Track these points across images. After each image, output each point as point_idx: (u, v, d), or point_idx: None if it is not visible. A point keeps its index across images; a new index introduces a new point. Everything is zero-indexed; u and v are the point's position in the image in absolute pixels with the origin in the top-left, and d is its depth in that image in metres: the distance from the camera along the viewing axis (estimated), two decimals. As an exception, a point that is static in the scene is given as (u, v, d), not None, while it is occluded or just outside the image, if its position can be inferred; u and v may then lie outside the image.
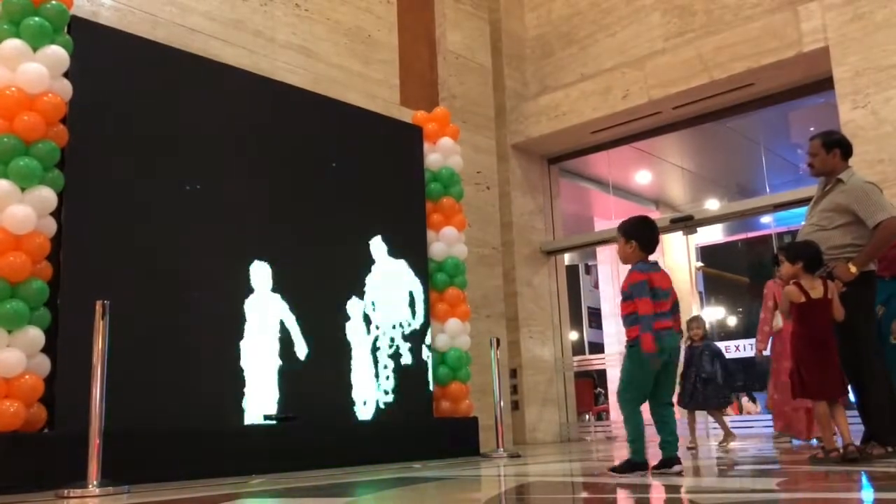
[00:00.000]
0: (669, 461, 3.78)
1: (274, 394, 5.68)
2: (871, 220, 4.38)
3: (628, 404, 3.88)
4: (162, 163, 5.34)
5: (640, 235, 3.99)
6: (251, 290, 5.70)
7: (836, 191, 4.59)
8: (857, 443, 4.34)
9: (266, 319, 5.74)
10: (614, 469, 3.86)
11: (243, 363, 5.53)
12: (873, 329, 4.52)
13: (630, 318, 3.87)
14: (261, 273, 5.78)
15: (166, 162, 5.37)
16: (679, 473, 3.71)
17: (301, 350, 5.89)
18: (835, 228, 4.51)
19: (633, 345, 3.84)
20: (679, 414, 6.87)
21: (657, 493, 3.24)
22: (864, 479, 3.35)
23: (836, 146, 4.68)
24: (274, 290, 5.83)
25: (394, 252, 6.80)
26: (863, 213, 4.42)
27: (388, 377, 6.50)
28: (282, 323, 5.84)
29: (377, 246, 6.69)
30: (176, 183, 5.41)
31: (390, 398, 6.46)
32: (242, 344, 5.56)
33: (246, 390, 5.52)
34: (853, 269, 4.35)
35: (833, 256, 4.46)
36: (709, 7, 8.43)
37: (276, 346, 5.77)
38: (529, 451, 7.22)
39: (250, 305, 5.67)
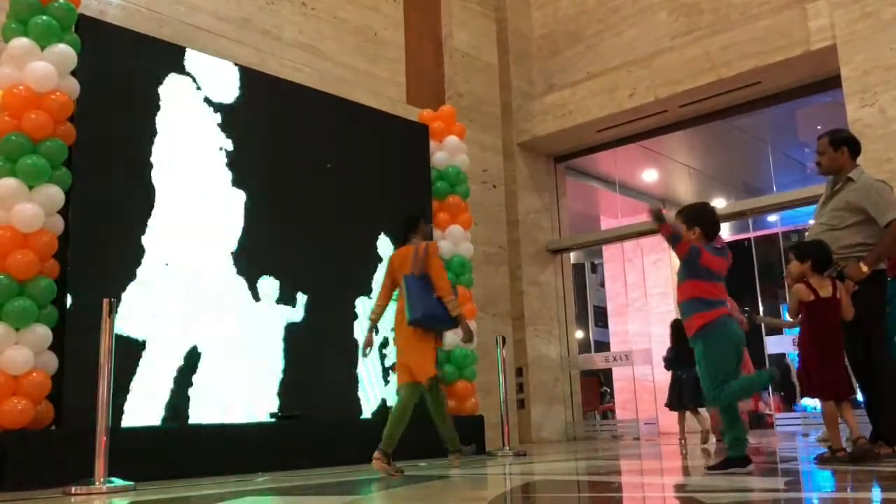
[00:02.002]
0: (743, 460, 3.55)
1: (280, 392, 5.68)
2: (882, 218, 4.36)
3: (719, 396, 3.58)
4: (169, 161, 5.35)
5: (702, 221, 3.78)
6: (257, 287, 5.70)
7: (847, 189, 4.55)
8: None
9: (271, 317, 5.75)
10: (712, 468, 3.55)
11: (249, 360, 5.54)
12: (884, 328, 4.49)
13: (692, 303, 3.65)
14: (266, 271, 5.79)
15: (173, 160, 5.38)
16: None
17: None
18: (845, 228, 4.48)
19: (703, 329, 3.62)
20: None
21: (665, 492, 3.23)
22: (872, 479, 3.34)
23: (843, 144, 4.65)
24: (279, 288, 5.84)
25: (391, 250, 6.79)
26: (874, 211, 4.40)
27: (393, 375, 6.49)
28: (287, 321, 5.85)
29: (383, 244, 6.69)
30: (182, 181, 5.42)
31: (396, 396, 6.45)
32: (248, 341, 5.57)
33: (251, 388, 5.53)
34: (864, 268, 4.32)
35: (844, 256, 4.43)
36: (716, 5, 8.40)
37: (282, 344, 5.78)
38: (535, 449, 7.22)
39: (257, 302, 5.67)
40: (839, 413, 4.23)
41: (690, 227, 3.77)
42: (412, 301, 4.65)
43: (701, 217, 3.81)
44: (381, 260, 6.64)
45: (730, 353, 3.66)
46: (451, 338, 6.94)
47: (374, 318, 4.91)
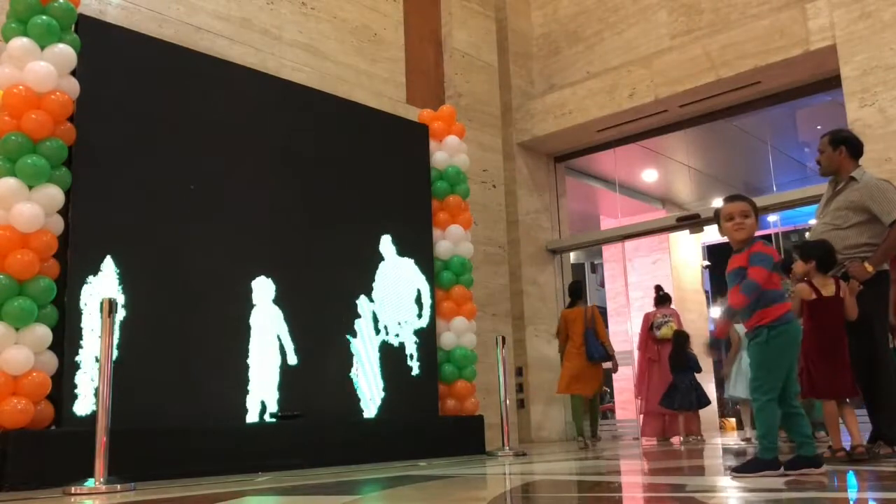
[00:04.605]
0: (815, 459, 3.45)
1: (280, 392, 5.68)
2: (886, 217, 4.36)
3: (764, 394, 3.43)
4: (169, 161, 5.35)
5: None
6: (258, 288, 5.70)
7: (850, 189, 4.55)
8: (865, 442, 4.34)
9: (272, 317, 5.75)
10: (737, 469, 3.44)
11: (250, 360, 5.54)
12: (887, 328, 4.49)
13: (773, 294, 3.49)
14: (268, 271, 5.79)
15: (173, 160, 5.38)
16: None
17: (291, 358, 5.85)
18: (850, 227, 4.48)
19: (774, 325, 3.46)
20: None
21: (665, 492, 3.23)
22: (872, 479, 3.34)
23: (842, 144, 4.65)
24: (281, 287, 5.84)
25: (400, 250, 6.80)
26: (878, 210, 4.40)
27: (393, 375, 6.49)
28: (286, 321, 5.84)
29: (384, 244, 6.69)
30: (183, 181, 5.42)
31: (396, 396, 6.45)
32: (249, 341, 5.57)
33: (252, 388, 5.53)
34: (869, 267, 4.32)
35: (848, 256, 4.43)
36: (716, 5, 8.40)
37: (282, 345, 5.77)
38: (535, 449, 7.22)
39: (257, 303, 5.67)
40: (841, 416, 4.23)
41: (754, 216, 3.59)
42: (590, 346, 7.50)
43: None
44: (381, 260, 6.63)
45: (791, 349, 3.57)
46: (451, 338, 6.96)
47: (561, 352, 7.85)
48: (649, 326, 8.71)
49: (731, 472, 3.49)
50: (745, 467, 3.44)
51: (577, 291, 8.08)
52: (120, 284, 4.92)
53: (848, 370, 4.24)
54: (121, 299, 4.90)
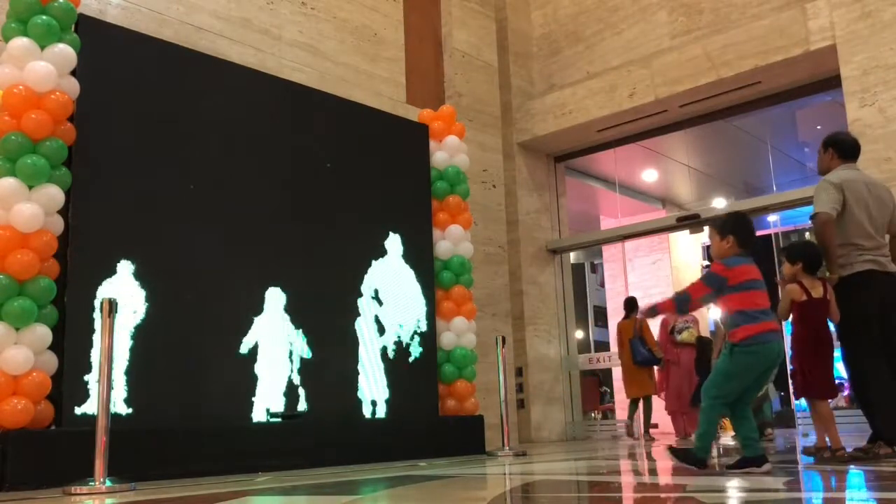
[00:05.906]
0: (758, 459, 3.61)
1: (281, 392, 5.68)
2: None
3: (714, 396, 3.68)
4: (169, 161, 5.35)
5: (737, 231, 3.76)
6: (259, 287, 5.70)
7: None
8: (863, 443, 4.35)
9: (274, 317, 5.75)
10: (730, 467, 3.67)
11: (251, 360, 5.54)
12: (868, 329, 4.43)
13: (737, 318, 3.67)
14: (268, 270, 5.79)
15: (174, 160, 5.38)
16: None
17: (303, 352, 5.89)
18: None
19: (737, 346, 3.65)
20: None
21: (665, 492, 3.23)
22: (872, 479, 3.34)
23: (830, 145, 4.70)
24: (281, 287, 5.84)
25: (400, 251, 6.79)
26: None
27: (394, 375, 6.49)
28: (290, 321, 5.84)
29: (386, 243, 6.69)
30: (183, 181, 5.42)
31: (396, 396, 6.45)
32: (251, 341, 5.57)
33: (253, 388, 5.52)
34: (829, 274, 4.35)
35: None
36: (716, 5, 8.40)
37: (285, 344, 5.77)
38: (535, 449, 7.22)
39: (257, 302, 5.67)
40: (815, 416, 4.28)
41: (724, 236, 3.74)
42: (634, 352, 8.60)
43: (735, 226, 3.77)
44: (381, 260, 6.63)
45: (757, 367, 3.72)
46: (451, 338, 6.96)
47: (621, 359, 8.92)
48: (669, 330, 8.85)
49: (725, 468, 3.64)
50: (737, 465, 3.64)
51: (631, 306, 9.03)
52: (143, 288, 4.95)
53: (832, 371, 4.29)
54: (141, 300, 4.94)
